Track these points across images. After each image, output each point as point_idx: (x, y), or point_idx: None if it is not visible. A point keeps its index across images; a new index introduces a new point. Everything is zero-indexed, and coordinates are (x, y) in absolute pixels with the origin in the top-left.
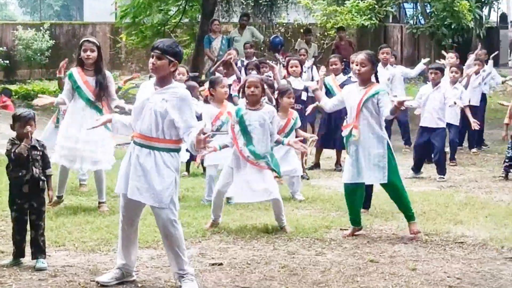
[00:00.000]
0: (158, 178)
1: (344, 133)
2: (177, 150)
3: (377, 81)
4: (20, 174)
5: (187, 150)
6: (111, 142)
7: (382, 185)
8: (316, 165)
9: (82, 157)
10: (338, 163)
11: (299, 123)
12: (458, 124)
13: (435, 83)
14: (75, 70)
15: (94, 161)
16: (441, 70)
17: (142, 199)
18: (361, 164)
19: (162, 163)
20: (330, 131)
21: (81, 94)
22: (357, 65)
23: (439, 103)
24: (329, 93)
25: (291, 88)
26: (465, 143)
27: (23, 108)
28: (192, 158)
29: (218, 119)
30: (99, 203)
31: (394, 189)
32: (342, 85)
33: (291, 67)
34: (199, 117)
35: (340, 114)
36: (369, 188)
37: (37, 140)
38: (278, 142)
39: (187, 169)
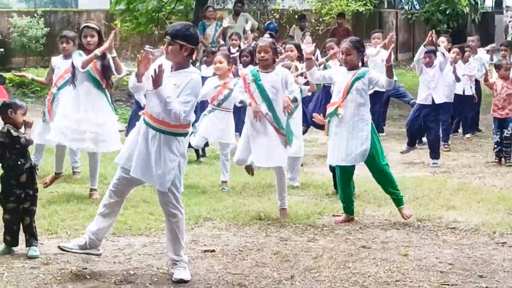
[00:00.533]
0: (161, 162)
1: (329, 110)
2: (184, 135)
3: (363, 65)
4: (19, 163)
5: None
6: (117, 126)
7: (369, 169)
8: None
9: (90, 139)
10: None
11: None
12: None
13: (429, 66)
14: (82, 53)
15: (99, 142)
16: (434, 52)
17: (144, 179)
18: (344, 145)
19: (167, 147)
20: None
21: (89, 76)
22: (342, 53)
23: (436, 81)
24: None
25: (293, 68)
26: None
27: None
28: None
29: (220, 93)
30: (91, 189)
31: (380, 172)
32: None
33: (287, 51)
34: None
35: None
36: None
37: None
38: (295, 100)
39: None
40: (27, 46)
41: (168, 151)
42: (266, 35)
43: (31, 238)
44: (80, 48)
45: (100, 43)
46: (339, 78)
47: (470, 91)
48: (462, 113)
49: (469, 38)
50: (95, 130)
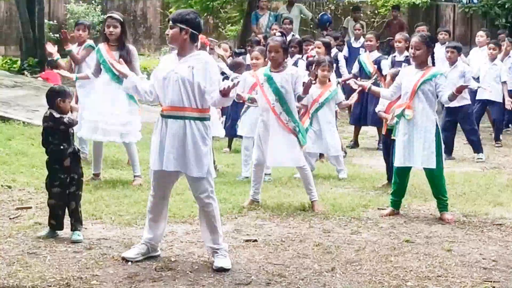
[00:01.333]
0: (194, 147)
1: (396, 112)
2: (208, 119)
3: (433, 64)
4: (62, 147)
5: (224, 127)
6: (138, 116)
7: (426, 170)
8: (355, 144)
9: (106, 130)
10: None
11: (340, 97)
12: (500, 101)
13: (452, 62)
14: (101, 45)
15: (124, 134)
16: (458, 48)
17: (180, 169)
18: (412, 147)
19: (197, 132)
20: (362, 108)
21: (106, 68)
22: (411, 48)
23: (459, 81)
24: (362, 69)
25: (327, 61)
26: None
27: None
28: (234, 134)
29: (253, 89)
30: (134, 176)
31: (433, 176)
32: (375, 62)
33: (315, 47)
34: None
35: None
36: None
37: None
38: (299, 98)
39: (229, 145)
40: None
41: (199, 136)
42: (278, 33)
43: (77, 222)
44: (104, 38)
45: (122, 34)
46: (405, 80)
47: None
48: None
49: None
50: (115, 121)
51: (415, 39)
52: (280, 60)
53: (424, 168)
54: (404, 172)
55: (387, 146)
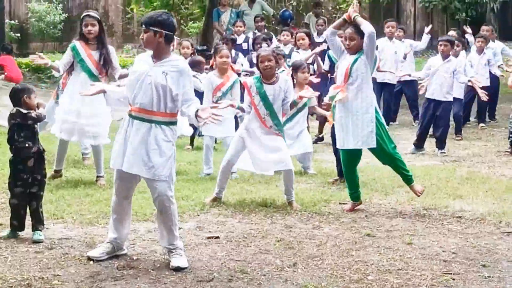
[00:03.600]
0: (158, 152)
1: (330, 93)
2: (175, 123)
3: None
4: (27, 145)
5: (190, 125)
6: (109, 117)
7: (373, 151)
8: (319, 139)
9: (83, 131)
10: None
11: (314, 102)
12: (462, 97)
13: (445, 56)
14: (78, 43)
15: (94, 135)
16: (451, 42)
17: (141, 173)
18: (349, 128)
19: (162, 136)
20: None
21: (84, 67)
22: (346, 39)
23: (449, 77)
24: (333, 64)
25: (305, 64)
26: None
27: (24, 83)
28: (196, 132)
29: (218, 90)
30: (97, 177)
31: (385, 154)
32: None
33: (299, 40)
34: (201, 93)
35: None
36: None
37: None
38: (291, 105)
39: (191, 143)
40: (45, 32)
41: (165, 141)
42: (264, 44)
43: (37, 223)
44: (80, 37)
45: (101, 32)
46: (340, 65)
47: (487, 82)
48: (478, 103)
49: (483, 28)
50: (87, 122)
51: (348, 30)
52: (274, 69)
53: (373, 151)
54: (353, 157)
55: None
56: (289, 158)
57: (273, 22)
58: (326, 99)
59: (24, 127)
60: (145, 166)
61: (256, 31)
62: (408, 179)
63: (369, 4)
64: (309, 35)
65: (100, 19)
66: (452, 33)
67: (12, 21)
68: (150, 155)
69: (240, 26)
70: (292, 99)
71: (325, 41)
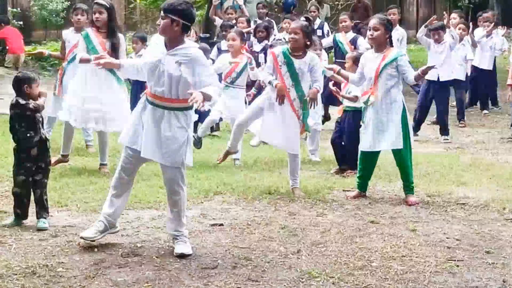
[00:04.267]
0: (172, 138)
1: (362, 99)
2: (191, 108)
3: (391, 45)
4: (29, 135)
5: (196, 112)
6: (127, 104)
7: (394, 151)
8: (325, 118)
9: (96, 118)
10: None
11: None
12: (463, 79)
13: (438, 42)
14: (90, 31)
15: (108, 122)
16: (442, 28)
17: (155, 158)
18: (380, 130)
19: (176, 122)
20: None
21: (95, 54)
22: (369, 30)
23: (444, 57)
24: (339, 49)
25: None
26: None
27: (27, 71)
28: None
29: (233, 71)
30: (101, 164)
31: (401, 157)
32: (352, 41)
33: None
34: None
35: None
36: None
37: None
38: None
39: (195, 130)
40: (47, 20)
41: (178, 126)
42: (302, 18)
43: (42, 210)
44: (91, 24)
45: (110, 20)
46: (367, 66)
47: (490, 66)
48: (479, 89)
49: (487, 14)
50: (101, 109)
51: (373, 21)
52: (300, 43)
53: (393, 150)
54: (371, 156)
55: (340, 129)
56: (298, 144)
57: (276, 10)
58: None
59: (24, 117)
60: (159, 152)
61: (258, 18)
62: (409, 189)
63: None
64: (267, 28)
65: (109, 7)
66: (454, 15)
67: (15, 9)
68: (163, 141)
69: (231, 14)
70: (320, 77)
71: (319, 28)
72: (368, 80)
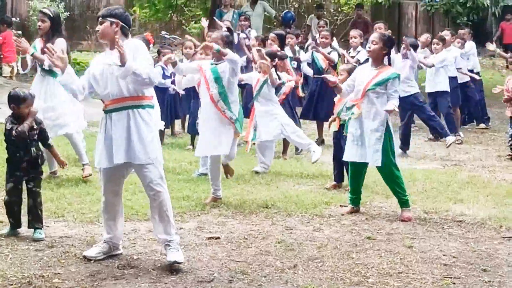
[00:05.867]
0: (139, 136)
1: (347, 104)
2: (152, 106)
3: (389, 64)
4: (18, 155)
5: (188, 124)
6: (75, 104)
7: (377, 168)
8: (321, 142)
9: (50, 126)
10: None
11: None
12: (448, 90)
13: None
14: (37, 41)
15: (57, 127)
16: (415, 46)
17: (129, 159)
18: (360, 143)
19: (140, 120)
20: (312, 103)
21: (38, 64)
22: (369, 42)
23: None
24: (314, 64)
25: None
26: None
27: (19, 89)
28: (196, 131)
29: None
30: (83, 165)
31: (387, 173)
32: (327, 57)
33: (269, 39)
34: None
35: (324, 87)
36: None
37: (35, 117)
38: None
39: (192, 143)
40: None
41: (143, 123)
42: (224, 29)
43: (35, 221)
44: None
45: (53, 28)
46: (359, 77)
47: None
48: (466, 104)
49: (460, 31)
50: (47, 116)
51: (374, 35)
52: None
53: (376, 166)
54: (358, 168)
55: (338, 142)
56: (228, 144)
57: (275, 24)
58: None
59: (11, 140)
60: (131, 153)
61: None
62: (403, 202)
63: (371, 7)
64: (280, 36)
65: (52, 16)
66: (446, 32)
67: (14, 18)
68: (133, 141)
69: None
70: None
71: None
72: (356, 91)
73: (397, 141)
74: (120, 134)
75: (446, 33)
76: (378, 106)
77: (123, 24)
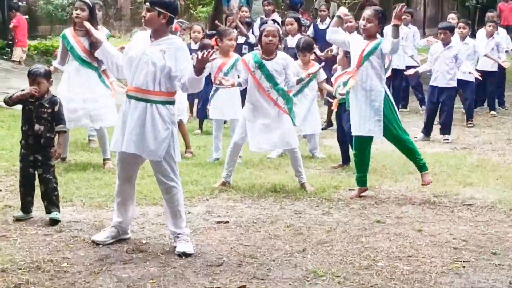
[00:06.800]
0: (153, 132)
1: (343, 79)
2: (172, 103)
3: (381, 35)
4: (24, 128)
5: (196, 109)
6: (111, 99)
7: (388, 139)
8: (329, 124)
9: (84, 116)
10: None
11: (322, 77)
12: (473, 80)
13: (446, 43)
14: (68, 31)
15: (95, 118)
16: (450, 29)
17: (138, 152)
18: (360, 116)
19: (158, 116)
20: None
21: (74, 54)
22: (363, 20)
23: (450, 63)
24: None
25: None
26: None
27: (38, 64)
28: (204, 116)
29: (220, 70)
30: (104, 159)
31: (400, 141)
32: None
33: (287, 25)
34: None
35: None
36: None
37: (52, 97)
38: (297, 82)
39: (200, 127)
40: (53, 15)
41: (160, 120)
42: (270, 21)
43: (50, 205)
44: (73, 22)
45: (90, 18)
46: (354, 48)
47: (494, 67)
48: (486, 90)
49: (488, 14)
50: (85, 107)
51: (368, 11)
52: (276, 46)
53: (387, 137)
54: (362, 143)
55: (340, 123)
56: (294, 138)
57: (283, 7)
58: (338, 90)
59: (23, 109)
60: (141, 146)
61: (264, 16)
62: (420, 166)
63: None
64: (298, 20)
65: (90, 5)
66: (452, 15)
67: (21, 3)
68: (146, 135)
69: (246, 11)
70: (292, 76)
71: (328, 27)
72: (352, 62)
73: None
74: (134, 124)
75: (453, 17)
76: (373, 77)
77: (170, 15)
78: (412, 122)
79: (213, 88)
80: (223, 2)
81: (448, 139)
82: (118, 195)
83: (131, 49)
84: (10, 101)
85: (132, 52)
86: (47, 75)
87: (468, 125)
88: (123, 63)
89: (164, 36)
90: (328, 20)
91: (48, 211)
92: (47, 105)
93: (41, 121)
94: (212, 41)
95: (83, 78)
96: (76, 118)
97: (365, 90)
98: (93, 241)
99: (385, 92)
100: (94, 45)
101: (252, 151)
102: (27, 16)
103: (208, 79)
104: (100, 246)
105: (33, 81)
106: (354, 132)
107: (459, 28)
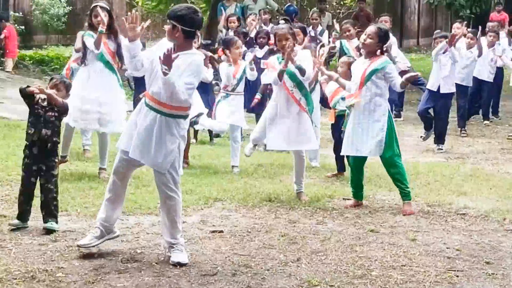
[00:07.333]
0: (160, 144)
1: (347, 102)
2: (185, 117)
3: (382, 53)
4: (30, 132)
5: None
6: (124, 106)
7: (381, 158)
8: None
9: (95, 120)
10: None
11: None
12: (470, 85)
13: (443, 52)
14: (94, 35)
15: (104, 123)
16: (447, 37)
17: (142, 160)
18: (360, 135)
19: (167, 129)
20: None
21: (99, 56)
22: (365, 34)
23: (448, 69)
24: (345, 54)
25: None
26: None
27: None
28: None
29: (234, 77)
30: (100, 168)
31: (391, 164)
32: (358, 48)
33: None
34: (209, 84)
35: None
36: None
37: (66, 106)
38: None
39: (195, 136)
40: (49, 24)
41: (169, 133)
42: (281, 21)
43: (47, 215)
44: (90, 28)
45: (110, 23)
46: (355, 71)
47: (490, 78)
48: (482, 98)
49: (489, 24)
50: (99, 110)
51: (371, 28)
52: (292, 47)
53: (380, 157)
54: (357, 162)
55: (335, 134)
56: (312, 138)
57: (278, 17)
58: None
59: (31, 112)
60: (147, 156)
61: (263, 24)
62: (405, 194)
63: (373, 0)
64: (304, 30)
65: (109, 9)
66: (457, 25)
67: (16, 13)
68: (150, 145)
69: (234, 22)
70: (310, 71)
71: (320, 34)
72: (354, 84)
73: None
74: (142, 131)
75: (458, 26)
76: (376, 97)
77: (184, 28)
78: (405, 132)
79: (223, 95)
80: (218, 12)
81: (442, 149)
82: (110, 191)
83: (155, 55)
84: (24, 91)
85: (155, 59)
86: (68, 87)
87: (462, 134)
88: (146, 66)
89: (184, 50)
90: (319, 28)
91: (46, 222)
92: (55, 108)
93: (48, 125)
94: (208, 52)
95: (105, 81)
96: (87, 120)
97: (369, 110)
98: (78, 246)
99: (388, 111)
100: (119, 47)
101: (266, 150)
102: (22, 27)
103: (205, 88)
104: (95, 255)
105: (55, 85)
106: (353, 152)
107: (467, 38)
